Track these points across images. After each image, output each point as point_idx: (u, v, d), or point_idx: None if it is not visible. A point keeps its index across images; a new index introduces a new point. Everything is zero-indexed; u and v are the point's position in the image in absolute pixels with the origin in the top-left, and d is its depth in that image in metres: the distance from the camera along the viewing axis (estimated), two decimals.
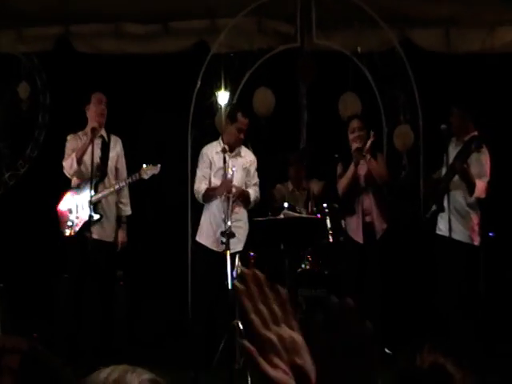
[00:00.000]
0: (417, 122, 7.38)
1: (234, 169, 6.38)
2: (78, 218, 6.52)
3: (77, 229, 6.52)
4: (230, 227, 5.90)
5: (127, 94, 7.60)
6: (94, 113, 6.61)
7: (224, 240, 5.97)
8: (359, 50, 7.34)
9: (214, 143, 6.82)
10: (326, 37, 7.46)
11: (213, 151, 6.75)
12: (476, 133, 6.76)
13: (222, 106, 7.26)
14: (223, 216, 6.14)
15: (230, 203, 6.16)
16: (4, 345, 4.14)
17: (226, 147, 6.33)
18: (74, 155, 6.46)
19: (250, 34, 7.45)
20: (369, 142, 6.75)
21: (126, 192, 6.66)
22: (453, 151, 6.74)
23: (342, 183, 6.85)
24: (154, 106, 7.74)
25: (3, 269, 6.88)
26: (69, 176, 6.62)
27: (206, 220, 6.73)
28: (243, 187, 6.64)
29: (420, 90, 7.31)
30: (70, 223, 6.55)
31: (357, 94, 7.39)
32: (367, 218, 6.83)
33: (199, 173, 6.79)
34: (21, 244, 7.38)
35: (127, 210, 6.73)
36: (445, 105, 7.02)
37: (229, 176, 6.28)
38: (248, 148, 6.93)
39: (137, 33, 7.56)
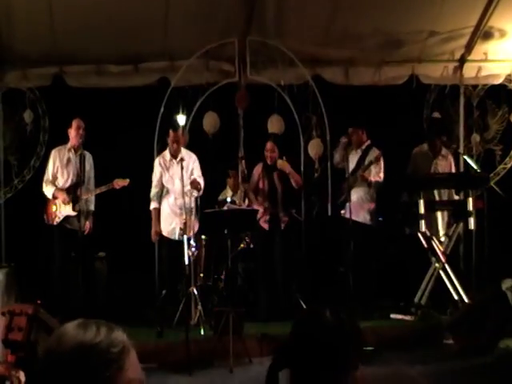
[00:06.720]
0: (325, 136, 7.53)
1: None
2: (60, 212, 6.72)
3: (58, 220, 6.72)
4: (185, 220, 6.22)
5: (107, 118, 7.52)
6: (72, 136, 6.75)
7: (182, 228, 6.23)
8: (282, 83, 7.39)
9: (165, 152, 6.82)
10: (257, 73, 7.52)
11: (163, 160, 6.76)
12: (369, 142, 7.12)
13: (180, 125, 6.99)
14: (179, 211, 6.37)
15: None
16: (14, 309, 4.43)
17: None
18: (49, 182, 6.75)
19: (201, 71, 7.42)
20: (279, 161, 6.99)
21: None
22: (352, 157, 7.11)
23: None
24: (128, 127, 7.58)
25: (14, 251, 6.98)
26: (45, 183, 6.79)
27: (162, 217, 6.80)
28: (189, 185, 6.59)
29: (327, 113, 7.43)
30: (54, 216, 6.73)
31: (281, 116, 7.52)
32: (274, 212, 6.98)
33: (155, 178, 6.82)
34: (26, 232, 7.24)
35: (92, 206, 6.87)
36: (345, 123, 7.24)
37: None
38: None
39: (114, 71, 7.46)
